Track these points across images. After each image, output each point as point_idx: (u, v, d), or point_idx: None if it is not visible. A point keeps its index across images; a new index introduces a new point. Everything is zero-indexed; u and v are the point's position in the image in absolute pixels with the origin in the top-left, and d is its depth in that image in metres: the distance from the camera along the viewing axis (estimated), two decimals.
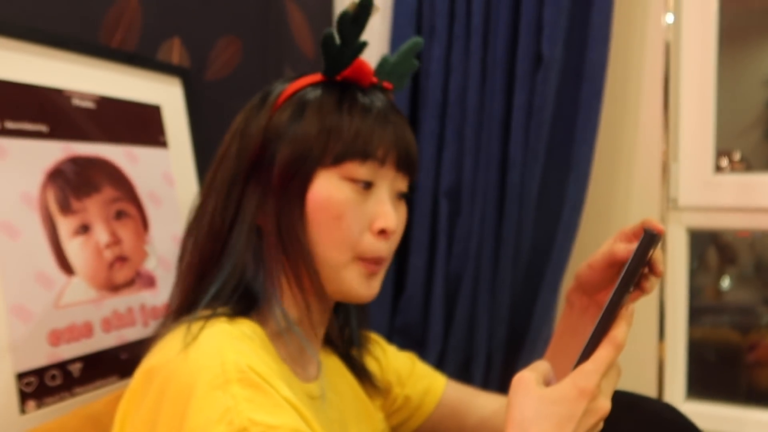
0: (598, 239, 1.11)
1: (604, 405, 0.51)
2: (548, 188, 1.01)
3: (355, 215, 0.58)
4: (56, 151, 0.76)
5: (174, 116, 0.94)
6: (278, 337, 0.59)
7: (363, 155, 0.58)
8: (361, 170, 0.58)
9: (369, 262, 0.60)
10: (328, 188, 0.58)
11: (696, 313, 1.16)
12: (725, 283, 1.26)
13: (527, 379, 0.50)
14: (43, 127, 0.75)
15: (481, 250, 1.02)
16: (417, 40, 0.70)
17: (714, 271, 1.27)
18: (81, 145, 0.79)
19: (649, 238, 0.51)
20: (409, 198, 0.66)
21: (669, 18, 1.06)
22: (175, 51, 0.98)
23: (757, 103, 1.23)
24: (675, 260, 1.09)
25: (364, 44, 0.61)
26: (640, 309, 1.07)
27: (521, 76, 0.98)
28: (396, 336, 1.09)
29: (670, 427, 0.56)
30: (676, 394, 1.10)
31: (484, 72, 1.02)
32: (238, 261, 0.58)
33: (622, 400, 0.56)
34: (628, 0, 1.07)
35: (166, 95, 0.94)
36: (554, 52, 0.96)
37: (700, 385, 1.13)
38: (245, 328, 0.54)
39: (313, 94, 0.60)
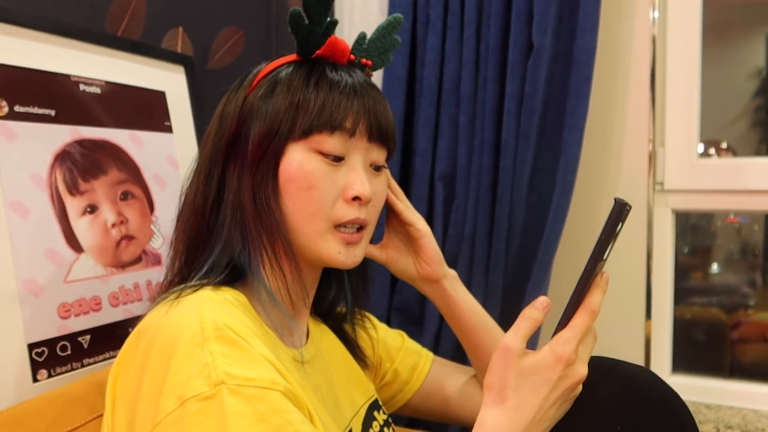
0: (588, 220, 1.10)
1: (581, 370, 0.52)
2: (539, 172, 0.99)
3: (326, 185, 0.56)
4: (64, 134, 0.75)
5: (178, 102, 0.93)
6: (263, 305, 0.57)
7: (331, 127, 0.56)
8: (329, 141, 0.56)
9: (347, 231, 0.58)
10: (298, 160, 0.56)
11: (685, 293, 1.14)
12: (714, 266, 1.25)
13: (512, 350, 0.51)
14: (50, 111, 0.74)
15: (476, 233, 1.00)
16: (396, 16, 0.67)
17: (704, 256, 1.25)
18: (88, 129, 0.78)
19: (619, 208, 0.49)
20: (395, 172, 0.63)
21: (655, 13, 1.04)
22: (179, 40, 0.97)
23: (744, 94, 1.20)
24: (661, 241, 1.07)
25: (334, 23, 0.59)
26: (628, 288, 1.06)
27: (513, 64, 0.96)
28: (394, 314, 1.08)
29: (646, 388, 0.55)
30: (662, 369, 1.09)
31: (478, 61, 1.00)
32: (226, 238, 0.57)
33: (599, 364, 0.55)
34: None
35: (170, 82, 0.92)
36: (544, 41, 0.94)
37: (686, 361, 1.11)
38: (228, 295, 0.54)
39: (285, 72, 0.59)
